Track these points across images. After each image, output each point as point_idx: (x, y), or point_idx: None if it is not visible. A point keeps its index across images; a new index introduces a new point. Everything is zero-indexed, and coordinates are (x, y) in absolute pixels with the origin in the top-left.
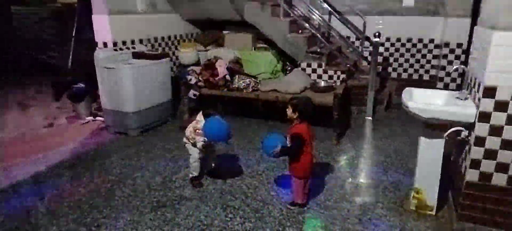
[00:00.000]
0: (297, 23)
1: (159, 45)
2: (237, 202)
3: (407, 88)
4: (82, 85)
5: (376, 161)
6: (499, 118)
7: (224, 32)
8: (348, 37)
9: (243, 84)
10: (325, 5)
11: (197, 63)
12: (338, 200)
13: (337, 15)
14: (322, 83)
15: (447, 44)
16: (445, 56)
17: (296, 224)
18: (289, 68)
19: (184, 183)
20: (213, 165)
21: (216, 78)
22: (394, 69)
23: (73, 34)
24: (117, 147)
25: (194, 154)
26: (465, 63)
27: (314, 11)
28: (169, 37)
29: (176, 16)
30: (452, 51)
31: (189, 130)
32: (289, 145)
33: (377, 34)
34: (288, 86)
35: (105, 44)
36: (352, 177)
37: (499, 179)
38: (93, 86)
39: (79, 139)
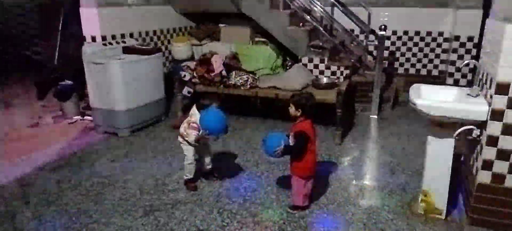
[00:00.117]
0: (297, 16)
1: (151, 39)
2: (234, 206)
3: (414, 84)
4: (69, 82)
5: (381, 161)
6: None
7: (220, 25)
8: (352, 31)
9: (240, 80)
10: None
11: (191, 59)
12: (342, 203)
13: (340, 7)
14: (325, 80)
15: (457, 38)
16: (455, 50)
17: (298, 229)
18: (289, 63)
19: (178, 186)
20: (209, 166)
21: (212, 75)
22: (401, 65)
23: (60, 28)
24: (107, 148)
25: (189, 155)
26: (477, 57)
27: (316, 3)
28: (162, 31)
29: (169, 9)
30: (462, 45)
31: (183, 126)
32: (291, 144)
33: (383, 27)
34: (288, 82)
35: (93, 39)
36: (356, 178)
37: None
38: (81, 84)
39: (66, 139)
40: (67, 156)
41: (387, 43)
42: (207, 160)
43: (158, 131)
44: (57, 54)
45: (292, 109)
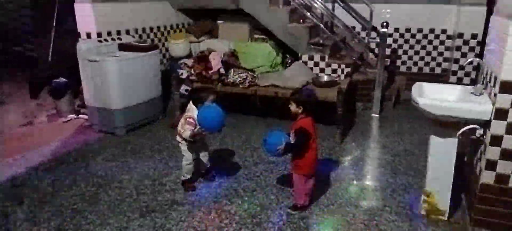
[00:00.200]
0: (298, 12)
1: (148, 36)
2: (232, 207)
3: (417, 83)
4: (63, 80)
5: (383, 161)
6: None
7: (218, 22)
8: (354, 28)
9: (239, 78)
10: None
11: (189, 56)
12: (343, 204)
13: (341, 3)
14: (325, 78)
15: (460, 35)
16: (458, 48)
17: (298, 230)
18: (289, 61)
19: (176, 186)
20: (206, 166)
21: (210, 72)
22: (403, 63)
23: (54, 24)
24: (102, 147)
25: (188, 155)
26: (480, 55)
27: None
28: (159, 28)
29: (166, 5)
30: (466, 42)
31: (180, 123)
32: (292, 142)
33: (384, 24)
34: (288, 80)
35: (88, 35)
36: (357, 178)
37: None
38: (76, 81)
39: (61, 138)
40: (62, 155)
41: (389, 40)
42: (205, 159)
43: (154, 130)
44: (51, 51)
45: (293, 107)
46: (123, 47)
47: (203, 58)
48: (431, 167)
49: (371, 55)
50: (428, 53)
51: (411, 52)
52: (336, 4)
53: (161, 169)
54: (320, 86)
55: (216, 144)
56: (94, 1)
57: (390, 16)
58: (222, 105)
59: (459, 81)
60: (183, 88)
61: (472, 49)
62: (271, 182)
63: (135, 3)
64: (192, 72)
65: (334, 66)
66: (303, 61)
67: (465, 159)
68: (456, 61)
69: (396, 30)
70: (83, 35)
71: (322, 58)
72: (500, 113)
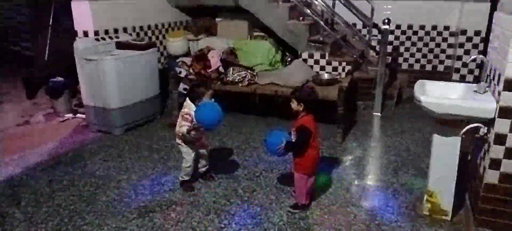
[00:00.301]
0: (297, 9)
1: (146, 34)
2: (232, 207)
3: (419, 80)
4: (60, 79)
5: (385, 161)
6: None
7: (217, 19)
8: (354, 25)
9: (238, 77)
10: None
11: (187, 54)
12: (344, 204)
13: (342, 0)
14: (326, 76)
15: (463, 32)
16: (461, 45)
17: (298, 230)
18: (289, 59)
19: (174, 187)
20: (205, 166)
21: (209, 71)
22: (405, 60)
23: (50, 22)
24: (100, 147)
25: (188, 157)
26: (484, 52)
27: None
28: (156, 26)
29: (164, 2)
30: (469, 39)
31: (178, 123)
32: (293, 140)
33: (386, 21)
34: (288, 79)
35: (85, 34)
36: (358, 178)
37: None
38: (73, 80)
39: (58, 138)
40: (59, 155)
41: (391, 37)
42: (203, 160)
43: (153, 129)
44: (47, 49)
45: (294, 104)
46: (120, 45)
47: (201, 57)
48: (434, 167)
49: (372, 52)
50: (431, 51)
51: (413, 49)
52: (336, 1)
53: (159, 169)
54: (320, 84)
55: (216, 144)
56: None
57: (391, 13)
58: (220, 103)
59: (462, 79)
60: (182, 87)
61: (475, 46)
62: (271, 182)
63: (132, 1)
64: (191, 70)
65: (335, 64)
66: (303, 59)
67: (469, 158)
68: (459, 58)
69: (398, 27)
70: (80, 34)
71: (323, 56)
72: (504, 112)
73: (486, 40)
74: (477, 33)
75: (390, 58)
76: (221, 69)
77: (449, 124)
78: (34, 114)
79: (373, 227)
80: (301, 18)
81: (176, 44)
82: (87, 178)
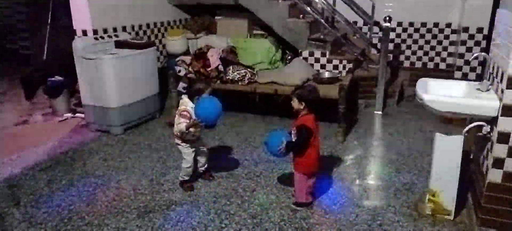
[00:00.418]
0: (297, 7)
1: (144, 33)
2: (232, 207)
3: (421, 78)
4: (59, 78)
5: (386, 159)
6: None
7: (216, 18)
8: (355, 22)
9: (238, 75)
10: None
11: (186, 53)
12: (345, 204)
13: None
14: (326, 74)
15: (466, 29)
16: (463, 42)
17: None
18: (289, 57)
19: (174, 186)
20: (205, 166)
21: (208, 70)
22: (407, 58)
23: (49, 21)
24: (99, 146)
25: (189, 158)
26: (487, 50)
27: None
28: (155, 24)
29: (163, 1)
30: (471, 36)
31: (175, 122)
32: (294, 139)
33: (387, 18)
34: (288, 77)
35: (84, 32)
36: (360, 177)
37: None
38: (72, 79)
39: (57, 137)
40: (58, 155)
41: (392, 35)
42: (202, 160)
43: (152, 128)
44: (46, 48)
45: (295, 103)
46: (119, 44)
47: (201, 55)
48: (436, 166)
49: (373, 50)
50: (432, 48)
51: (414, 47)
52: None
53: (159, 168)
54: (321, 83)
55: (215, 143)
56: None
57: (392, 10)
58: (219, 99)
59: (465, 77)
60: (181, 85)
61: (478, 43)
62: (271, 181)
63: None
64: (190, 69)
65: (336, 62)
66: (303, 58)
67: (471, 157)
68: (461, 56)
69: (399, 24)
70: (79, 33)
71: (323, 54)
72: (508, 110)
73: (488, 38)
74: (480, 30)
75: (391, 56)
76: (220, 68)
77: (451, 122)
78: (32, 114)
79: (375, 227)
80: (301, 16)
81: (175, 43)
82: (87, 177)
